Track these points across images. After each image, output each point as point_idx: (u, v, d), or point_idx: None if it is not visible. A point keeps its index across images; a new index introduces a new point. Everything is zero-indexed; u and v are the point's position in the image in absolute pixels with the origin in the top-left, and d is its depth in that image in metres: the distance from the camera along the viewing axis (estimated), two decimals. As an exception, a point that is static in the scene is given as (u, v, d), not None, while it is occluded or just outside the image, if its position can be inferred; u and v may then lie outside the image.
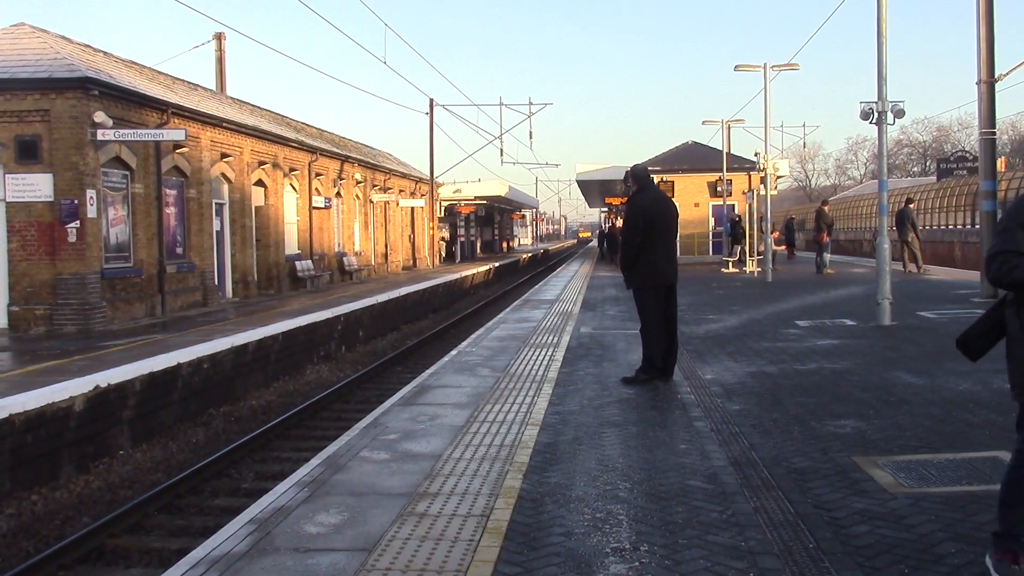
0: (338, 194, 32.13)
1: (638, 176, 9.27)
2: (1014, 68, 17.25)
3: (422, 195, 43.77)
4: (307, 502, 5.51)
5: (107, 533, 8.26)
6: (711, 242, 38.89)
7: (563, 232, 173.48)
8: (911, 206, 25.07)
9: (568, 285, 26.35)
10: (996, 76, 16.44)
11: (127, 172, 18.53)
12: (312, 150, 28.90)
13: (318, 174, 29.67)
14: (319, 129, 36.02)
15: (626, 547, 4.56)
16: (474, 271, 39.49)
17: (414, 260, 43.72)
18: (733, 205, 36.06)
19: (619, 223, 42.82)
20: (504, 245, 73.17)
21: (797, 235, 44.02)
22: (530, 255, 63.44)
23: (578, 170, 47.91)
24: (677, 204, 10.33)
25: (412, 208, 43.10)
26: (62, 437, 10.34)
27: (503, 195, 53.19)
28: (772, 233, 27.05)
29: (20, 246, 16.74)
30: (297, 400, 14.66)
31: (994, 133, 17.02)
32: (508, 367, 10.61)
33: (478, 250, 61.32)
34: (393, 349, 20.47)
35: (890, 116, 13.64)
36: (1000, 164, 35.89)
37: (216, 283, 22.24)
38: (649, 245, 8.96)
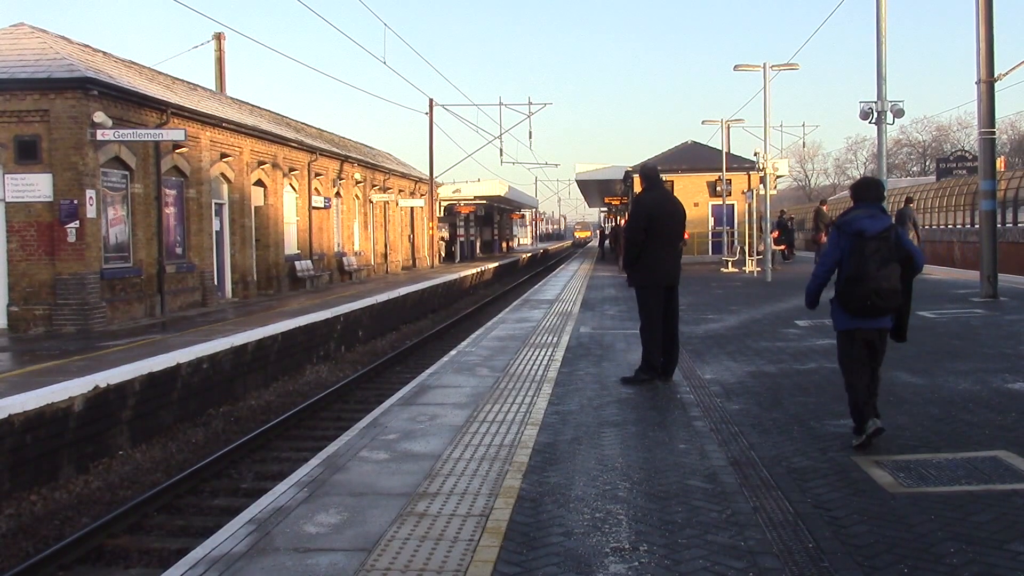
0: (338, 194, 32.12)
1: (647, 175, 9.28)
2: (1014, 68, 17.27)
3: (421, 195, 43.76)
4: (307, 502, 5.51)
5: (107, 533, 8.26)
6: (711, 242, 38.91)
7: (564, 231, 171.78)
8: (911, 205, 25.09)
9: (567, 285, 26.35)
10: (996, 76, 16.44)
11: (127, 172, 18.52)
12: (312, 150, 28.89)
13: (318, 174, 29.66)
14: (319, 129, 36.01)
15: (626, 547, 4.56)
16: (473, 271, 39.48)
17: (414, 260, 43.71)
18: (733, 205, 36.06)
19: (622, 222, 42.75)
20: (504, 245, 73.20)
21: (796, 235, 43.93)
22: (529, 255, 63.44)
23: (577, 170, 47.95)
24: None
25: (412, 208, 43.09)
26: (62, 437, 10.34)
27: (502, 195, 53.20)
28: (771, 233, 27.05)
29: (19, 246, 16.73)
30: (296, 400, 14.65)
31: (994, 133, 17.01)
32: (507, 367, 10.61)
33: (478, 250, 61.31)
34: (392, 349, 20.47)
35: (889, 116, 13.69)
36: (1000, 163, 35.95)
37: (215, 283, 22.23)
38: (653, 244, 8.96)
